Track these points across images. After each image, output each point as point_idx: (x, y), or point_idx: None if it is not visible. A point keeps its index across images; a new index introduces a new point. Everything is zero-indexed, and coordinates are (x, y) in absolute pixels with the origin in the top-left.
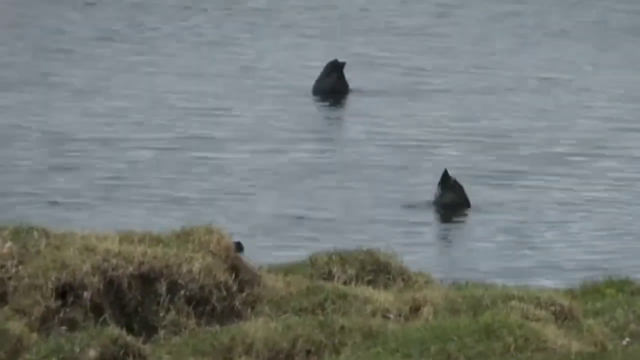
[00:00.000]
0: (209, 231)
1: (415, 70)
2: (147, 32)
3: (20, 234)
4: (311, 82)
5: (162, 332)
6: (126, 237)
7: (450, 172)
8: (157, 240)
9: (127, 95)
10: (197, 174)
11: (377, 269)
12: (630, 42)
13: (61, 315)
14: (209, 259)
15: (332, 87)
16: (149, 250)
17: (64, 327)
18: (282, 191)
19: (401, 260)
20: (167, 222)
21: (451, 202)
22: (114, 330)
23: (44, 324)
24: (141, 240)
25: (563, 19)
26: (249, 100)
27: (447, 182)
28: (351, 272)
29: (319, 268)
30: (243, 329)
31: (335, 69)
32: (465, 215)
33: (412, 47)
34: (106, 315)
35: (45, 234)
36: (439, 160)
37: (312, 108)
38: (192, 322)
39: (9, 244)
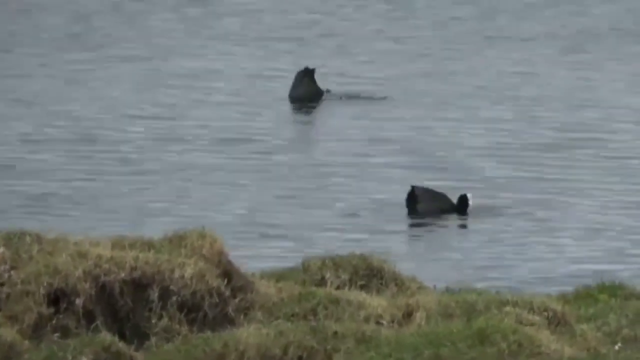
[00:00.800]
0: (202, 236)
1: (384, 76)
2: (103, 38)
3: (12, 239)
4: (280, 87)
5: (154, 339)
6: (118, 243)
7: (428, 181)
8: (149, 245)
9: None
10: (170, 177)
11: (370, 274)
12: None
13: (53, 322)
14: (202, 264)
15: (306, 93)
16: (140, 256)
17: (56, 334)
18: (259, 195)
19: (394, 265)
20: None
21: (425, 211)
22: (106, 337)
23: (37, 330)
24: (133, 245)
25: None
26: (224, 107)
27: (413, 199)
28: (344, 277)
29: (311, 274)
30: (235, 335)
31: (306, 76)
32: (453, 222)
33: (376, 51)
34: (98, 322)
35: (38, 239)
36: (424, 166)
37: (288, 114)
38: (184, 328)
39: (1, 249)
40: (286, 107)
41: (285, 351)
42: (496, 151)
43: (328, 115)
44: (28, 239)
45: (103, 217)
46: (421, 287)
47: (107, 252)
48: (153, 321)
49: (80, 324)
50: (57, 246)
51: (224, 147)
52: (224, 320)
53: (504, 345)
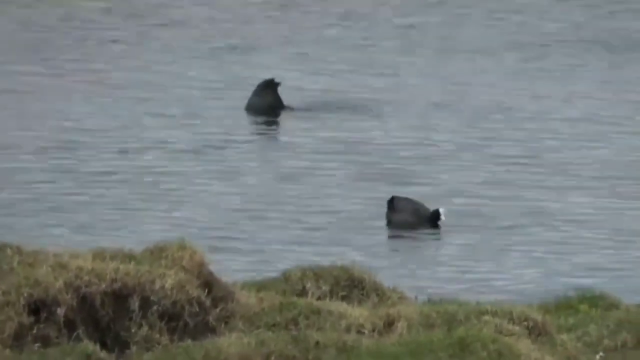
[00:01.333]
0: (182, 247)
1: (341, 87)
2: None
3: None
4: (236, 98)
5: (134, 348)
6: (99, 254)
7: (406, 191)
8: (129, 257)
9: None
10: (127, 190)
11: (351, 285)
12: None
13: (34, 331)
14: (182, 275)
15: (268, 105)
16: (121, 267)
17: (37, 344)
18: (220, 208)
19: (375, 276)
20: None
21: (401, 223)
22: (87, 346)
23: (17, 340)
24: (113, 257)
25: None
26: (179, 119)
27: (391, 209)
28: (325, 287)
29: (292, 284)
30: (216, 344)
31: (269, 87)
32: (428, 234)
33: (334, 61)
34: (79, 331)
35: (19, 251)
36: (388, 179)
37: (247, 126)
38: (165, 337)
39: None
40: (244, 118)
41: None
42: (462, 164)
43: (288, 127)
44: (9, 251)
45: (66, 229)
46: (402, 298)
47: (87, 264)
48: (134, 330)
49: (61, 333)
50: (38, 258)
51: (181, 159)
52: (204, 330)
53: (484, 354)
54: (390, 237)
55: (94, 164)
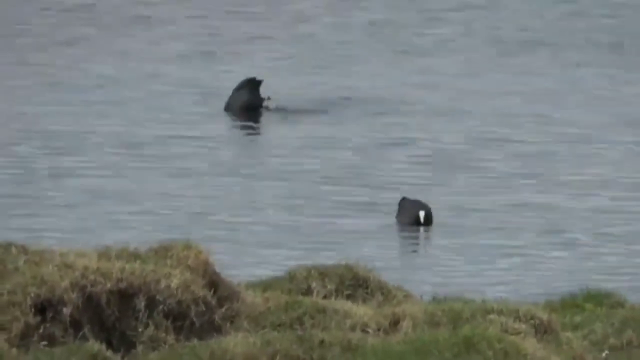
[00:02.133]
0: (187, 246)
1: (319, 87)
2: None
3: None
4: (209, 98)
5: (140, 348)
6: (104, 254)
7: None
8: (135, 256)
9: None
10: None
11: (355, 284)
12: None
13: (41, 330)
14: (187, 274)
15: (246, 103)
16: (127, 266)
17: (43, 343)
18: (206, 209)
19: (379, 275)
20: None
21: (403, 223)
22: (93, 345)
23: (24, 339)
24: (119, 256)
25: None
26: (147, 118)
27: (399, 208)
28: (330, 286)
29: (298, 283)
30: (222, 344)
31: (250, 85)
32: (426, 233)
33: (310, 60)
34: (85, 330)
35: (24, 250)
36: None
37: (227, 125)
38: (171, 337)
39: None
40: (222, 117)
41: None
42: (456, 162)
43: (266, 127)
44: (14, 250)
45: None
46: (407, 296)
47: (93, 263)
48: (140, 330)
49: (67, 332)
50: (44, 257)
51: (154, 159)
52: (210, 329)
53: (490, 353)
54: (382, 237)
55: (49, 164)
